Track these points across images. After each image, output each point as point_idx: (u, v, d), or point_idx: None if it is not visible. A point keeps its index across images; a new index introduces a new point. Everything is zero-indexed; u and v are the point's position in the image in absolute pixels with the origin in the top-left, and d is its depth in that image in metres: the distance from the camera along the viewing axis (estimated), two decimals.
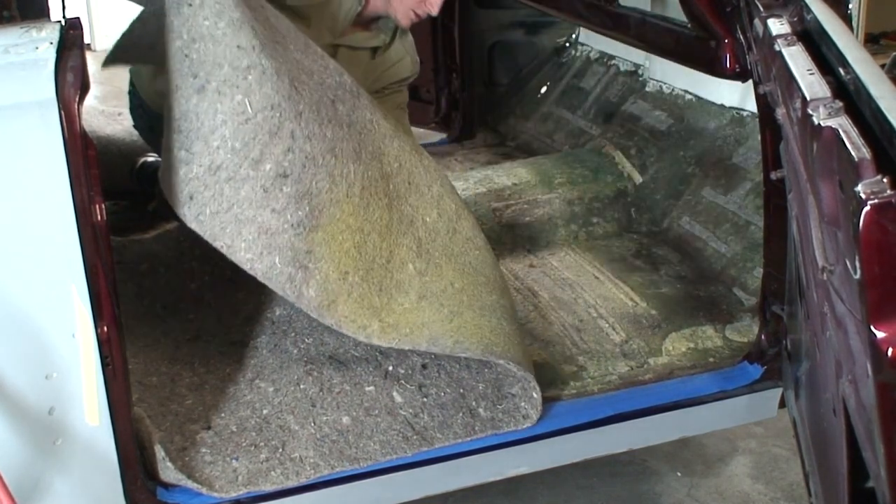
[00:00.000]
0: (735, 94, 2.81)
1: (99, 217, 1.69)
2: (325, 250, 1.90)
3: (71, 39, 1.83)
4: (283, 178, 1.84)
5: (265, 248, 1.83)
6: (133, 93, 2.66)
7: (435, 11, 2.55)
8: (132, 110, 2.70)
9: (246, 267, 1.84)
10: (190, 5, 1.74)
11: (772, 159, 1.96)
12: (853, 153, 1.10)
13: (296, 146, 1.85)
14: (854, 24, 2.36)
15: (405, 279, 2.05)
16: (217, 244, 1.83)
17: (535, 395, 2.00)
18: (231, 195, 1.81)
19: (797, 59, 1.47)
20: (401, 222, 2.08)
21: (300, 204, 1.86)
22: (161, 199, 2.80)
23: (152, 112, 2.60)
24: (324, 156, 1.90)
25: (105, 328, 1.70)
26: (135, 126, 2.74)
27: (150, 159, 2.96)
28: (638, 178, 3.02)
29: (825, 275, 1.29)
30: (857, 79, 1.31)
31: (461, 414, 2.03)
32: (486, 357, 1.98)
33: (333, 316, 1.91)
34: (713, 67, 2.18)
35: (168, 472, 1.85)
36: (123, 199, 2.99)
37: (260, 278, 1.86)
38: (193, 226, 1.83)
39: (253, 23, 1.82)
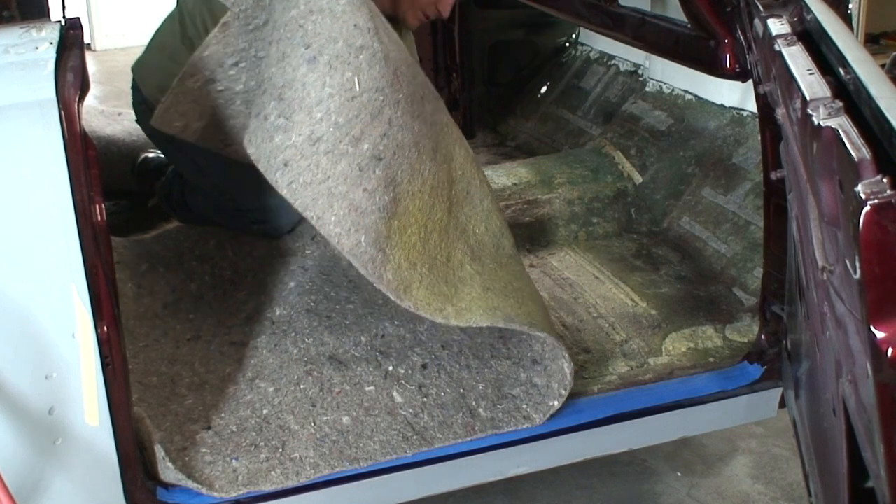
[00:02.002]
0: (735, 94, 2.82)
1: (99, 217, 1.69)
2: (398, 239, 1.93)
3: (71, 39, 1.83)
4: (377, 161, 1.87)
5: (353, 225, 1.85)
6: (136, 88, 2.65)
7: (446, 14, 2.56)
8: (135, 105, 2.69)
9: (333, 241, 1.87)
10: None
11: (772, 159, 1.96)
12: (853, 153, 1.10)
13: (391, 132, 1.88)
14: (854, 24, 2.36)
15: (466, 276, 2.07)
16: (307, 214, 1.86)
17: (563, 391, 2.02)
18: (327, 168, 1.83)
19: (797, 59, 1.47)
20: (455, 228, 2.11)
21: (388, 189, 1.89)
22: (161, 195, 2.81)
23: (155, 108, 2.59)
24: (409, 148, 1.94)
25: (105, 328, 1.70)
26: (137, 121, 2.73)
27: (151, 155, 2.96)
28: (638, 178, 3.02)
29: (825, 275, 1.29)
30: (857, 79, 1.31)
31: (461, 414, 2.03)
32: (555, 343, 2.01)
33: (410, 299, 1.93)
34: (713, 67, 2.18)
35: (168, 472, 1.85)
36: (123, 199, 3.00)
37: (346, 254, 1.88)
38: (284, 192, 1.86)
39: (370, 5, 1.87)
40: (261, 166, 1.88)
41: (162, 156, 2.87)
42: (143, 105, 2.65)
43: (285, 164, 1.83)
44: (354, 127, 1.83)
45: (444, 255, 2.04)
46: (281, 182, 1.84)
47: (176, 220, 2.70)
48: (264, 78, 1.89)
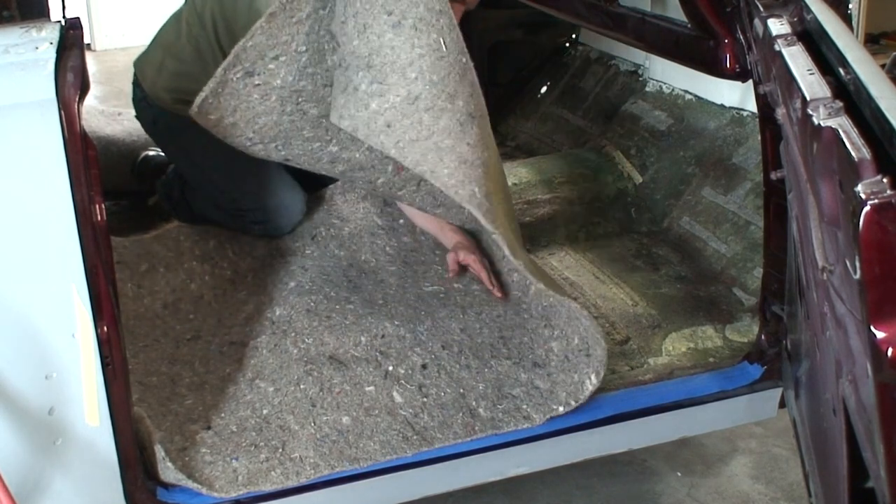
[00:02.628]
0: (735, 94, 2.81)
1: (99, 217, 1.69)
2: (495, 198, 2.01)
3: (71, 39, 1.84)
4: (471, 119, 1.94)
5: (465, 176, 1.92)
6: (136, 84, 2.65)
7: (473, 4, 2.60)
8: (135, 102, 2.69)
9: (451, 192, 1.93)
10: None
11: (772, 159, 1.96)
12: (853, 153, 1.10)
13: (475, 93, 1.96)
14: (854, 24, 2.36)
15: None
16: (419, 169, 1.92)
17: (572, 402, 2.03)
18: (430, 124, 1.89)
19: (797, 59, 1.47)
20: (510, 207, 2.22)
21: (484, 146, 1.96)
22: (161, 194, 2.81)
23: (156, 105, 2.59)
24: (486, 113, 2.01)
25: (105, 328, 1.70)
26: (137, 117, 2.73)
27: (151, 153, 2.95)
28: (638, 178, 3.02)
29: (825, 275, 1.29)
30: (857, 79, 1.31)
31: (461, 414, 2.03)
32: (590, 327, 2.07)
33: (520, 258, 2.04)
34: (713, 67, 2.18)
35: (168, 472, 1.85)
36: (123, 199, 2.99)
37: (465, 204, 1.94)
38: (392, 152, 1.92)
39: None
40: (360, 135, 1.94)
41: (163, 154, 2.87)
42: (143, 101, 2.65)
43: (388, 126, 1.89)
44: (448, 85, 1.89)
45: (510, 225, 2.11)
46: (387, 143, 1.90)
47: (176, 220, 2.70)
48: (345, 54, 1.94)
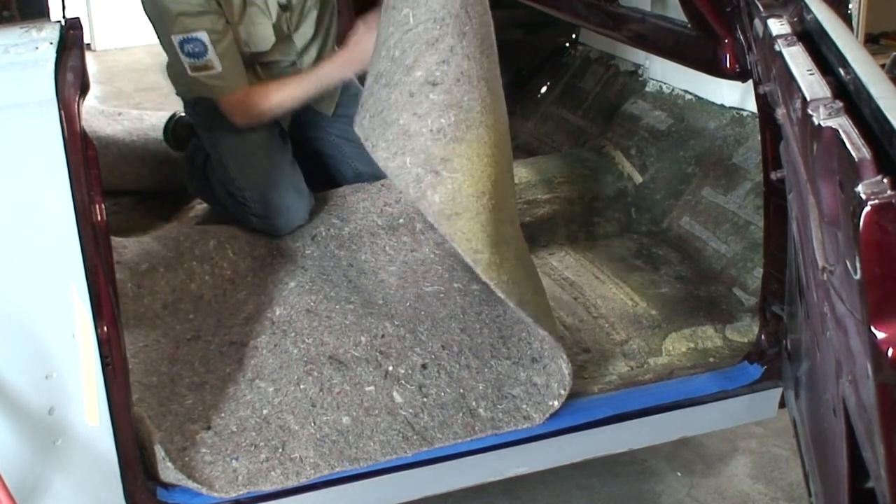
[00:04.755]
0: (735, 94, 2.81)
1: (99, 217, 1.69)
2: (466, 164, 1.93)
3: (71, 39, 1.84)
4: (431, 86, 1.92)
5: (400, 148, 1.91)
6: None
7: None
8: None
9: (381, 165, 1.93)
10: None
11: (772, 159, 1.96)
12: (853, 153, 1.10)
13: (452, 60, 1.92)
14: (854, 24, 2.36)
15: (508, 237, 2.05)
16: (366, 144, 1.95)
17: (562, 391, 2.02)
18: (385, 99, 1.93)
19: (797, 59, 1.47)
20: (510, 185, 2.16)
21: (444, 112, 1.92)
22: (187, 157, 2.88)
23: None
24: (479, 79, 1.96)
25: (105, 328, 1.70)
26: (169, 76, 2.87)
27: (182, 114, 3.04)
28: (638, 178, 3.02)
29: (825, 275, 1.29)
30: (857, 79, 1.31)
31: (461, 414, 2.03)
32: (553, 343, 2.02)
33: (451, 228, 1.92)
34: (713, 67, 2.18)
35: (168, 472, 1.85)
36: (123, 198, 3.00)
37: (390, 176, 1.94)
38: (357, 129, 1.99)
39: None
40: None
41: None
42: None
43: (362, 106, 1.98)
44: (408, 57, 1.91)
45: (504, 203, 2.03)
46: (357, 121, 1.98)
47: (189, 187, 2.88)
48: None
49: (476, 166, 1.92)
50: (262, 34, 2.63)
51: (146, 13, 2.52)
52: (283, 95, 2.59)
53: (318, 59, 2.72)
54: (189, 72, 2.50)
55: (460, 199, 1.90)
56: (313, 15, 2.72)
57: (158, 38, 2.54)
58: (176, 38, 2.46)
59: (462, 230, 1.90)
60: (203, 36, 2.45)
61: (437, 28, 1.89)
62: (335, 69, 2.59)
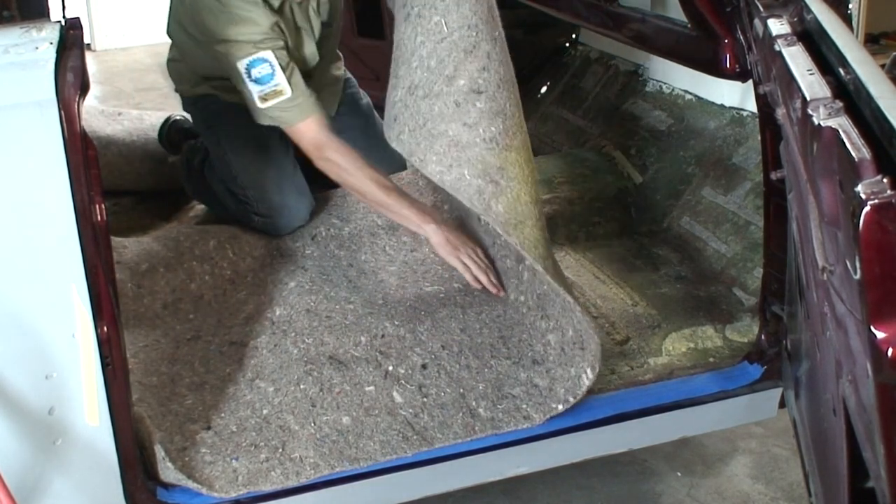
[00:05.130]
0: (735, 94, 2.81)
1: (99, 217, 1.69)
2: (518, 171, 1.93)
3: (71, 39, 1.84)
4: (476, 94, 1.89)
5: (455, 160, 1.87)
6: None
7: None
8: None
9: (436, 179, 1.90)
10: None
11: (772, 159, 1.96)
12: (853, 153, 1.10)
13: (491, 66, 1.91)
14: (854, 24, 2.36)
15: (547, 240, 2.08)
16: (412, 159, 1.92)
17: (570, 398, 2.00)
18: (426, 111, 1.88)
19: (797, 59, 1.47)
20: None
21: (493, 120, 1.90)
22: (184, 157, 2.88)
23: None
24: (513, 84, 1.97)
25: (105, 328, 1.70)
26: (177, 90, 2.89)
27: (178, 117, 3.04)
28: (638, 178, 3.02)
29: (825, 275, 1.29)
30: (857, 79, 1.31)
31: (461, 414, 2.03)
32: (596, 349, 2.00)
33: (519, 236, 1.92)
34: (713, 67, 2.18)
35: (168, 472, 1.85)
36: (124, 199, 3.00)
37: (449, 190, 1.90)
38: (394, 145, 1.93)
39: None
40: (384, 130, 1.96)
41: (189, 119, 2.97)
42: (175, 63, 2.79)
43: (395, 119, 1.92)
44: (447, 66, 1.87)
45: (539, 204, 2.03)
46: (392, 136, 1.92)
47: (186, 188, 2.86)
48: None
49: (526, 172, 1.95)
50: (309, 53, 2.63)
51: (212, 49, 2.45)
52: (360, 175, 2.40)
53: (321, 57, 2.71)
54: (258, 104, 2.39)
55: (520, 206, 1.93)
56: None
57: (228, 70, 2.43)
58: (242, 64, 2.37)
59: (529, 238, 1.94)
60: (269, 56, 2.37)
61: (473, 35, 1.88)
62: (414, 217, 2.40)
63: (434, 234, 2.37)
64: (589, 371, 1.99)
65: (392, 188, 2.43)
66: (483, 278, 2.35)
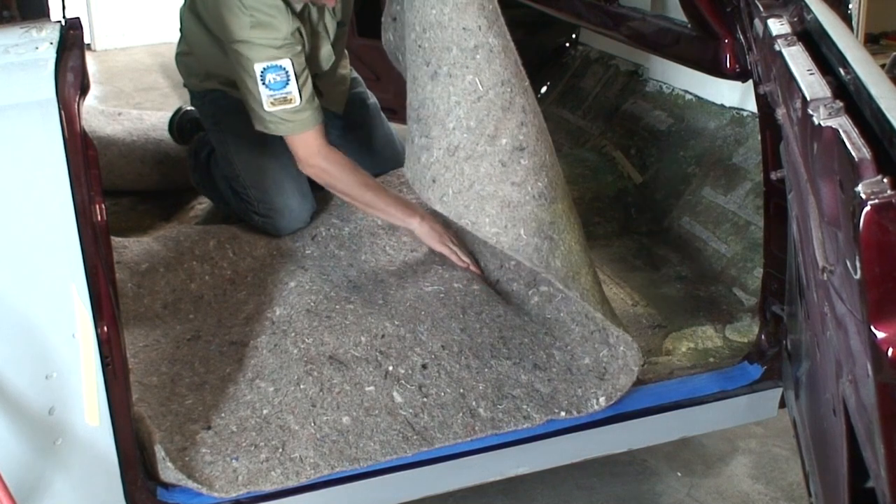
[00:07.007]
0: (735, 94, 2.82)
1: (99, 217, 1.69)
2: (566, 222, 1.95)
3: (71, 39, 1.84)
4: (520, 152, 1.89)
5: (509, 220, 1.88)
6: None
7: None
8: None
9: (492, 241, 1.90)
10: None
11: (772, 159, 1.96)
12: (853, 153, 1.10)
13: (527, 120, 1.90)
14: (854, 24, 2.36)
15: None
16: (462, 222, 1.91)
17: (574, 412, 2.02)
18: (471, 173, 1.87)
19: (797, 59, 1.48)
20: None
21: (539, 175, 1.91)
22: (191, 149, 2.90)
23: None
24: (545, 131, 1.96)
25: (105, 328, 1.70)
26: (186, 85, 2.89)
27: (189, 108, 3.04)
28: (638, 178, 3.02)
29: (825, 275, 1.29)
30: (857, 79, 1.31)
31: (461, 414, 2.03)
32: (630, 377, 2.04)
33: (578, 288, 1.93)
34: (713, 67, 2.18)
35: (168, 472, 1.85)
36: (124, 199, 3.00)
37: (507, 251, 1.91)
38: (438, 207, 1.92)
39: (483, 1, 1.89)
40: (416, 188, 1.96)
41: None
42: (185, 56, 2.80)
43: (433, 181, 1.89)
44: (487, 126, 1.86)
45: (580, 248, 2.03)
46: (433, 198, 1.90)
47: (192, 180, 2.87)
48: (408, 104, 1.95)
49: (572, 221, 1.97)
50: (324, 55, 2.64)
51: (228, 47, 2.44)
52: (347, 180, 2.47)
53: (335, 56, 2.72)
54: (266, 107, 2.40)
55: (573, 257, 1.95)
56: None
57: (238, 69, 2.44)
58: (259, 67, 2.37)
59: (586, 287, 1.97)
60: (287, 65, 2.38)
61: (508, 91, 1.87)
62: (398, 212, 2.47)
63: (418, 226, 2.46)
64: (602, 399, 2.02)
65: (376, 187, 2.49)
66: (467, 259, 2.45)
